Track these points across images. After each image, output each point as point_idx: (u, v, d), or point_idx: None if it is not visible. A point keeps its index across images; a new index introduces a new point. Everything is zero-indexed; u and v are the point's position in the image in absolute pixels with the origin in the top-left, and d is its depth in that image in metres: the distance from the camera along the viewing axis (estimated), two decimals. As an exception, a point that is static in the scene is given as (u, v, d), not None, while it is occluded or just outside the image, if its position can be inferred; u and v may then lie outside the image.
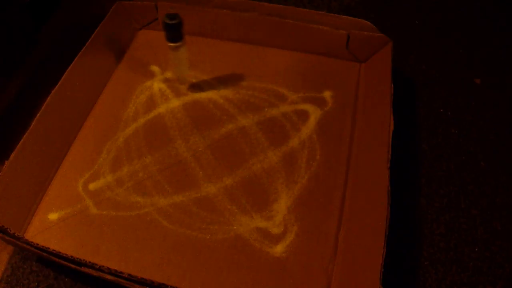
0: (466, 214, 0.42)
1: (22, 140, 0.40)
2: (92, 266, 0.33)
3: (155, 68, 0.52)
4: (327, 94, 0.49)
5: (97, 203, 0.41)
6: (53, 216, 0.40)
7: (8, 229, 0.35)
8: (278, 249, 0.38)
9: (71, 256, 0.33)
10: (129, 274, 0.32)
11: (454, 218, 0.42)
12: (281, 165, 0.44)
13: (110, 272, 0.32)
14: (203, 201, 0.41)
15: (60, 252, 0.34)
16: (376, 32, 0.49)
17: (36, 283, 0.38)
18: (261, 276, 0.37)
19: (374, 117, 0.45)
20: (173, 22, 0.42)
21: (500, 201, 0.43)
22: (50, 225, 0.40)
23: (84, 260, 0.33)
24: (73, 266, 0.34)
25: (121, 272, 0.32)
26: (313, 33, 0.51)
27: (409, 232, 0.41)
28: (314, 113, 0.48)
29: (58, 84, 0.45)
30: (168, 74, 0.52)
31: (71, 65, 0.46)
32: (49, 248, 0.34)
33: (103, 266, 0.33)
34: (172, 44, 0.45)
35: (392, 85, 0.44)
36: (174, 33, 0.44)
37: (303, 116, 0.48)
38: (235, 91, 0.50)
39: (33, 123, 0.42)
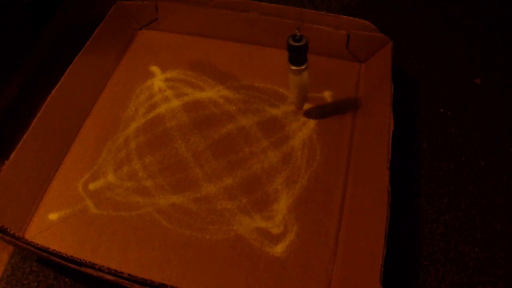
0: (466, 214, 0.42)
1: (22, 140, 0.41)
2: (92, 266, 0.33)
3: (155, 68, 0.52)
4: (327, 94, 0.49)
5: (97, 203, 0.41)
6: (53, 216, 0.40)
7: (8, 229, 0.35)
8: (278, 249, 0.38)
9: (71, 256, 0.33)
10: (129, 274, 0.32)
11: (454, 218, 0.42)
12: (281, 165, 0.44)
13: (110, 272, 0.32)
14: (203, 201, 0.41)
15: (60, 252, 0.34)
16: (376, 32, 0.49)
17: (36, 283, 0.38)
18: (261, 276, 0.37)
19: (374, 117, 0.45)
20: (300, 44, 0.39)
21: (500, 201, 0.43)
22: (50, 225, 0.40)
23: (84, 260, 0.33)
24: (73, 266, 0.34)
25: (121, 272, 0.32)
26: (313, 33, 0.51)
27: (409, 232, 0.41)
28: (314, 113, 0.48)
29: (58, 84, 0.45)
30: (168, 74, 0.52)
31: (71, 65, 0.46)
32: (49, 248, 0.34)
33: (103, 266, 0.33)
34: (295, 68, 0.41)
35: (392, 85, 0.44)
36: (299, 55, 0.40)
37: (303, 116, 0.48)
38: (235, 91, 0.50)
39: (33, 123, 0.42)
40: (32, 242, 0.35)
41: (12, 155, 0.39)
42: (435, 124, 0.49)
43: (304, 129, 0.46)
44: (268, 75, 0.51)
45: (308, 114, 0.48)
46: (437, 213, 0.42)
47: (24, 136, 0.41)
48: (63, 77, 0.45)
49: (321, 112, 0.48)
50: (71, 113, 0.46)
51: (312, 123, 0.47)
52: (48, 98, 0.43)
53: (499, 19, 0.60)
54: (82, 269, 0.33)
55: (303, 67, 0.41)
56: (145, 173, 0.43)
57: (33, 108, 0.46)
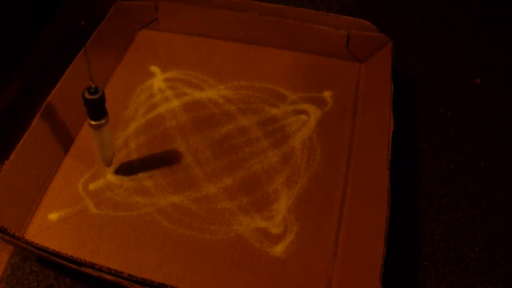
0: (466, 214, 0.42)
1: (22, 140, 0.40)
2: (92, 266, 0.33)
3: (155, 68, 0.52)
4: (327, 94, 0.49)
5: (97, 203, 0.41)
6: (53, 216, 0.40)
7: (8, 229, 0.35)
8: (278, 249, 0.38)
9: (71, 256, 0.33)
10: (129, 274, 0.32)
11: (454, 218, 0.42)
12: (281, 165, 0.44)
13: (110, 272, 0.32)
14: (203, 201, 0.41)
15: (60, 252, 0.34)
16: (376, 32, 0.49)
17: (36, 283, 0.38)
18: (261, 276, 0.37)
19: (374, 117, 0.45)
20: (95, 96, 0.36)
21: (500, 201, 0.43)
22: (50, 225, 0.40)
23: (84, 260, 0.33)
24: (73, 266, 0.34)
25: (121, 272, 0.32)
26: (313, 33, 0.51)
27: (409, 232, 0.41)
28: (314, 113, 0.48)
29: (58, 84, 0.45)
30: (168, 74, 0.52)
31: (71, 65, 0.46)
32: (49, 248, 0.34)
33: (103, 266, 0.33)
34: (94, 123, 0.38)
35: (392, 85, 0.44)
36: (97, 109, 0.37)
37: (303, 116, 0.48)
38: (235, 91, 0.50)
39: (33, 123, 0.42)
40: (32, 242, 0.34)
41: (12, 155, 0.39)
42: (435, 124, 0.49)
43: (304, 129, 0.46)
44: (268, 75, 0.51)
45: (308, 114, 0.48)
46: (437, 213, 0.42)
47: (24, 136, 0.41)
48: (63, 77, 0.45)
49: (321, 112, 0.48)
50: (71, 113, 0.46)
51: (312, 123, 0.47)
52: (48, 98, 0.43)
53: (499, 19, 0.60)
54: (82, 269, 0.33)
55: (103, 121, 0.38)
56: (145, 173, 0.43)
57: (33, 108, 0.46)
